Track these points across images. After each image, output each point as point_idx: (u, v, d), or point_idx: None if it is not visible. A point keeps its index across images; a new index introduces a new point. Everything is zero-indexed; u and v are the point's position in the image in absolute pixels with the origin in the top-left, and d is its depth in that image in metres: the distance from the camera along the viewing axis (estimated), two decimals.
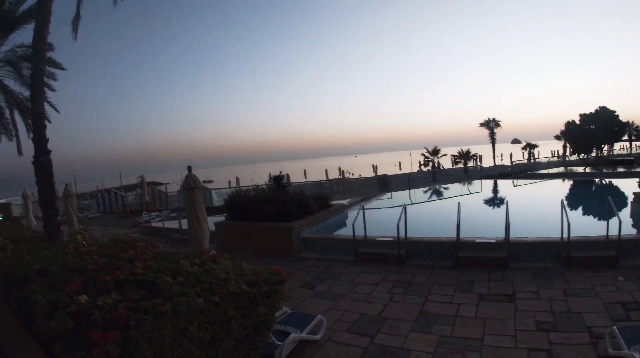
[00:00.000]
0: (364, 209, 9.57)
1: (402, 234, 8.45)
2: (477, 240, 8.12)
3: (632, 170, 24.18)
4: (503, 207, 8.21)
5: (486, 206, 17.44)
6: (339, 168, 43.98)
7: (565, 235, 7.33)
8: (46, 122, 7.42)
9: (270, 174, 13.32)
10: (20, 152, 15.69)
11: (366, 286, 7.02)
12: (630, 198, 10.81)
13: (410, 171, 38.62)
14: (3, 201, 24.58)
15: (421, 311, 5.78)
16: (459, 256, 7.81)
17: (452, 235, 8.07)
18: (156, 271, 3.03)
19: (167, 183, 36.97)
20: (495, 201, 18.83)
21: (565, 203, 7.70)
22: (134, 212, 24.23)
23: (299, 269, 8.39)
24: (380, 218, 13.14)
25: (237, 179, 34.78)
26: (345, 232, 10.37)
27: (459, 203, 8.43)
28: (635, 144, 53.84)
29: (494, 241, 7.96)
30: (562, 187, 21.67)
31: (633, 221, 9.81)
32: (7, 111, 15.47)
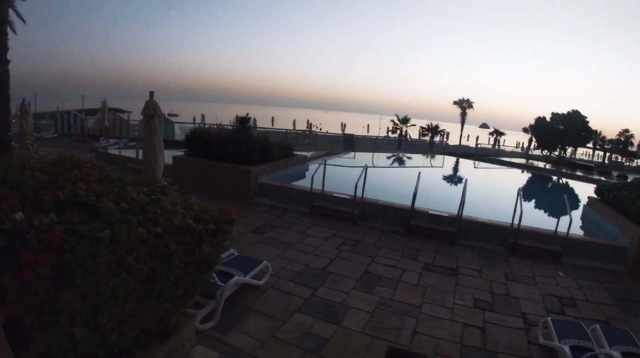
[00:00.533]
0: (325, 164, 9.55)
1: (359, 194, 8.52)
2: (430, 211, 8.31)
3: (590, 176, 25.20)
4: (461, 185, 8.36)
5: (444, 182, 17.88)
6: (307, 121, 43.39)
7: (516, 222, 7.58)
8: (12, 32, 6.78)
9: (237, 116, 12.88)
10: None
11: (316, 240, 7.11)
12: (584, 201, 11.26)
13: (377, 135, 38.75)
14: None
15: (366, 271, 5.93)
16: (411, 224, 8.00)
17: (408, 202, 8.24)
18: (99, 194, 2.86)
19: (131, 111, 35.31)
20: (454, 178, 19.32)
21: (521, 192, 7.92)
22: (92, 137, 23.11)
23: (251, 213, 8.35)
24: (340, 175, 13.20)
25: (203, 116, 33.66)
26: (303, 184, 10.34)
27: (419, 173, 8.54)
28: (598, 154, 55.90)
29: (446, 215, 8.17)
30: (521, 177, 22.40)
31: (582, 223, 10.26)
32: None
